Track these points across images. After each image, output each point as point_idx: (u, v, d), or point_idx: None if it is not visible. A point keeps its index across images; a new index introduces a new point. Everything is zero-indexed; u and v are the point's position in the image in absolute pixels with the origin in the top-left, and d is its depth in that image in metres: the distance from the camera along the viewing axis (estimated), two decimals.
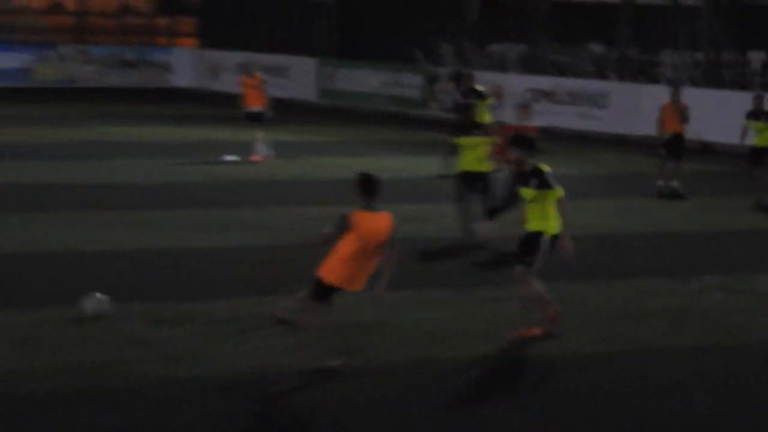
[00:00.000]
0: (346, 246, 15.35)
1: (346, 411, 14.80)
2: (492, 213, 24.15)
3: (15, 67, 56.74)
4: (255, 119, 35.47)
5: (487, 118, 32.91)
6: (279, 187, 31.54)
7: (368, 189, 15.43)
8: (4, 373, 15.78)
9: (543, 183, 17.24)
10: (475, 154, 24.41)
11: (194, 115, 45.82)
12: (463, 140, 24.27)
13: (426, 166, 34.32)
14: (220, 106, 45.00)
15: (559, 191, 17.38)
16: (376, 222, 15.41)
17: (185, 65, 58.59)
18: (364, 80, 51.29)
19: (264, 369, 16.30)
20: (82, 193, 29.77)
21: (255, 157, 34.95)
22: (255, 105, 35.65)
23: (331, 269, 15.48)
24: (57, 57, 57.96)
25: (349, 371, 16.00)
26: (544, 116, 40.47)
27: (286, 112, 46.81)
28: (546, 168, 17.49)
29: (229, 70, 54.57)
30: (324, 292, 15.68)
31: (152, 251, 23.72)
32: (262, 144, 35.26)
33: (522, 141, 17.94)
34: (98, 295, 19.18)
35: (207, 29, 61.41)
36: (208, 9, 62.51)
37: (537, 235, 17.56)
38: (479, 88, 34.41)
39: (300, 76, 53.57)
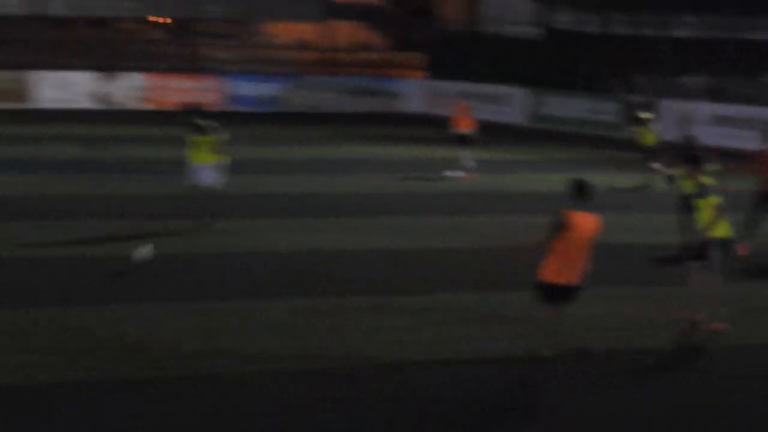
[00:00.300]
0: (560, 243, 15.35)
1: (576, 393, 15.11)
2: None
3: (268, 95, 57.74)
4: (463, 140, 35.67)
5: (650, 140, 33.61)
6: (490, 199, 31.69)
7: (581, 192, 15.47)
8: (271, 356, 16.23)
9: None
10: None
11: (421, 137, 46.14)
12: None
13: (620, 180, 34.30)
14: (443, 129, 45.78)
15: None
16: (587, 220, 15.44)
17: (414, 94, 58.75)
18: (568, 107, 51.53)
19: (481, 355, 16.48)
20: (325, 201, 30.12)
21: (466, 173, 35.09)
22: (463, 128, 35.85)
23: (549, 267, 15.45)
24: (304, 86, 58.92)
25: (560, 357, 15.90)
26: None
27: (500, 134, 47.41)
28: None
29: (450, 98, 55.27)
30: (548, 291, 15.59)
31: (383, 251, 24.05)
32: (471, 161, 35.43)
33: None
34: (144, 247, 21.22)
35: (433, 63, 61.65)
36: (434, 46, 63.30)
37: (718, 240, 17.92)
38: (644, 114, 34.74)
39: (512, 104, 53.70)
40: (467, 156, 35.49)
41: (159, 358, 15.85)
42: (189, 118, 26.53)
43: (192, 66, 64.00)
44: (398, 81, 61.32)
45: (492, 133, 44.88)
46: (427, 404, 14.48)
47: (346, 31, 70.76)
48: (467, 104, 36.54)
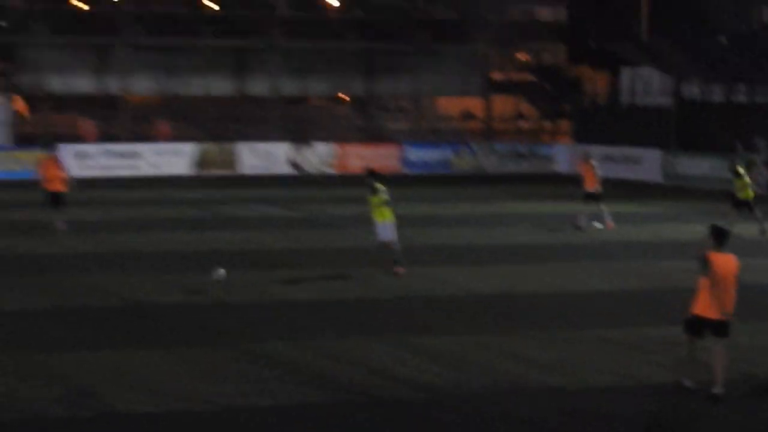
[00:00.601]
0: (706, 281, 15.43)
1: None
2: None
3: (438, 160, 58.17)
4: (592, 197, 35.06)
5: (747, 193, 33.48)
6: (635, 246, 31.35)
7: (719, 237, 15.62)
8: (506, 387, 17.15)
9: None
10: None
11: (570, 194, 46.27)
12: None
13: (749, 229, 33.57)
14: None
15: None
16: (728, 260, 15.54)
17: (563, 156, 58.42)
18: (698, 165, 51.15)
19: (636, 382, 16.60)
20: (489, 250, 30.00)
21: (609, 224, 34.78)
22: (590, 186, 35.22)
23: (698, 303, 15.56)
24: (469, 152, 58.94)
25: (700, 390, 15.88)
26: None
27: (637, 190, 47.28)
28: None
29: (595, 159, 55.29)
30: (693, 324, 15.73)
31: (548, 293, 24.00)
32: (608, 214, 34.98)
33: None
34: (220, 270, 23.05)
35: (579, 129, 61.54)
36: (579, 115, 63.32)
37: None
38: (742, 168, 34.54)
39: (648, 163, 53.43)
40: (594, 209, 35.21)
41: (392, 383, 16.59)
42: (368, 180, 26.87)
43: (372, 135, 65.02)
44: (549, 146, 61.44)
45: (630, 190, 45.07)
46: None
47: (504, 104, 71.22)
48: (592, 164, 36.14)
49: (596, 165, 36.17)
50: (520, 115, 70.64)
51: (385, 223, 26.35)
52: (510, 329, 20.31)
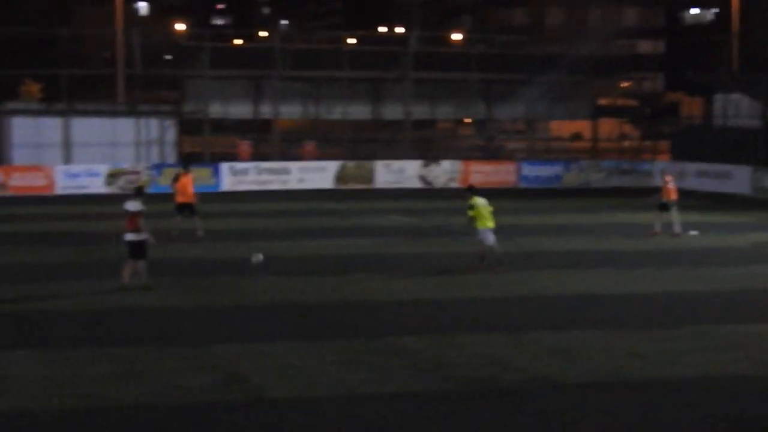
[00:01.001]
0: None
1: None
2: None
3: (550, 176, 57.66)
4: (665, 208, 34.52)
5: None
6: (726, 252, 30.77)
7: None
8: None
9: None
10: None
11: (667, 205, 45.91)
12: None
13: None
14: (689, 199, 44.96)
15: None
16: None
17: (660, 173, 57.82)
18: None
19: (726, 374, 16.27)
20: (594, 256, 29.62)
21: (658, 231, 34.23)
22: (667, 197, 34.66)
23: None
24: (578, 168, 58.60)
25: None
26: None
27: (728, 203, 46.57)
28: None
29: (691, 175, 54.62)
30: None
31: (644, 294, 23.73)
32: (668, 224, 34.31)
33: None
34: (258, 255, 24.25)
35: (676, 148, 60.56)
36: (676, 135, 62.57)
37: None
38: None
39: (738, 178, 52.16)
40: (665, 218, 34.54)
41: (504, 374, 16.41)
42: (467, 194, 27.31)
43: (492, 154, 64.88)
44: (649, 163, 60.62)
45: (722, 202, 44.39)
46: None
47: (609, 126, 70.60)
48: (672, 178, 35.75)
49: (671, 179, 35.61)
50: (624, 136, 70.02)
51: (488, 229, 26.52)
52: (612, 326, 20.03)
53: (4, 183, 49.92)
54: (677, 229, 34.30)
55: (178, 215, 33.33)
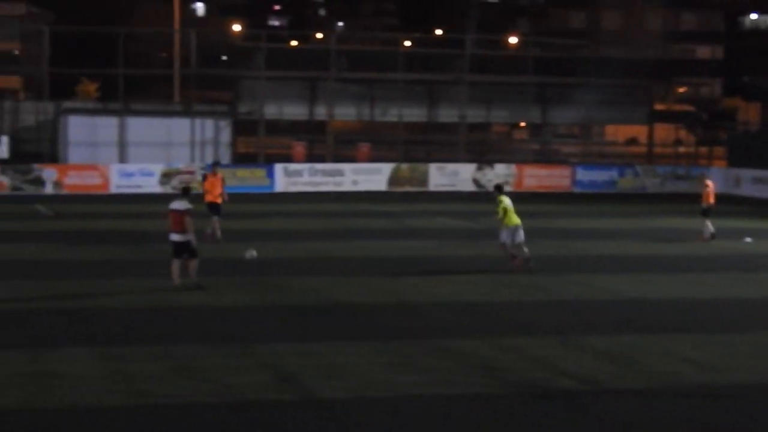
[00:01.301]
0: None
1: None
2: None
3: (605, 180, 57.33)
4: (707, 213, 34.66)
5: None
6: None
7: None
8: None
9: None
10: None
11: (723, 212, 45.41)
12: None
13: None
14: (744, 206, 44.60)
15: None
16: None
17: (716, 179, 56.93)
18: None
19: None
20: (649, 261, 29.43)
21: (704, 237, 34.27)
22: (708, 202, 34.88)
23: None
24: (633, 173, 58.33)
25: None
26: None
27: None
28: None
29: (746, 181, 54.12)
30: None
31: (697, 300, 23.66)
32: (710, 229, 34.29)
33: None
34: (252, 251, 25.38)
35: (731, 154, 60.25)
36: (732, 141, 62.04)
37: None
38: None
39: None
40: (708, 224, 34.56)
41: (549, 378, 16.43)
42: (494, 193, 27.89)
43: (546, 158, 64.67)
44: (705, 168, 60.16)
45: None
46: None
47: (665, 131, 70.15)
48: (713, 184, 35.65)
49: (711, 185, 35.67)
50: (679, 141, 69.53)
51: (517, 226, 27.07)
52: (666, 331, 19.90)
53: (60, 181, 50.43)
54: (707, 233, 34.37)
55: (214, 216, 33.40)
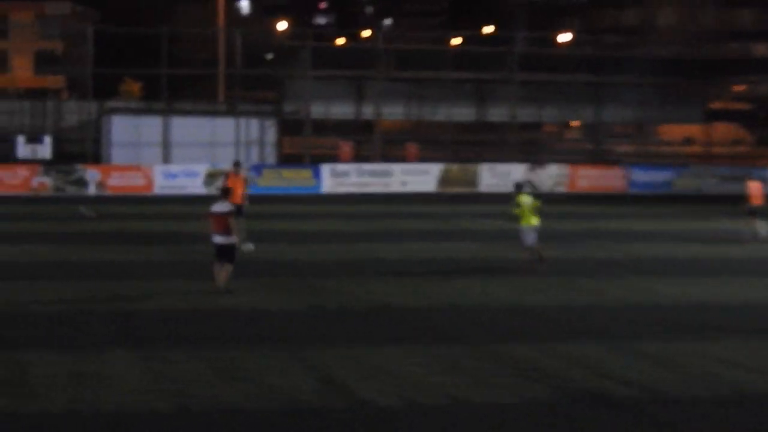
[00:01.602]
0: None
1: None
2: None
3: (660, 181, 57.20)
4: (754, 213, 35.04)
5: None
6: None
7: None
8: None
9: None
10: None
11: None
12: None
13: None
14: None
15: None
16: None
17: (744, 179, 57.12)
18: None
19: None
20: (707, 263, 29.19)
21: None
22: (755, 202, 35.13)
23: None
24: (690, 174, 58.08)
25: None
26: None
27: None
28: None
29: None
30: None
31: (748, 304, 23.40)
32: (764, 231, 34.68)
33: None
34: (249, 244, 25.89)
35: None
36: None
37: None
38: None
39: None
40: (762, 225, 34.55)
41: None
42: (513, 192, 28.12)
43: (599, 158, 64.21)
44: (764, 169, 59.59)
45: None
46: None
47: (722, 130, 69.51)
48: (760, 184, 35.70)
49: (753, 185, 35.79)
50: (737, 141, 68.91)
51: (531, 227, 27.37)
52: (724, 336, 19.62)
53: (103, 182, 50.64)
54: (754, 234, 34.55)
55: (239, 216, 33.25)
